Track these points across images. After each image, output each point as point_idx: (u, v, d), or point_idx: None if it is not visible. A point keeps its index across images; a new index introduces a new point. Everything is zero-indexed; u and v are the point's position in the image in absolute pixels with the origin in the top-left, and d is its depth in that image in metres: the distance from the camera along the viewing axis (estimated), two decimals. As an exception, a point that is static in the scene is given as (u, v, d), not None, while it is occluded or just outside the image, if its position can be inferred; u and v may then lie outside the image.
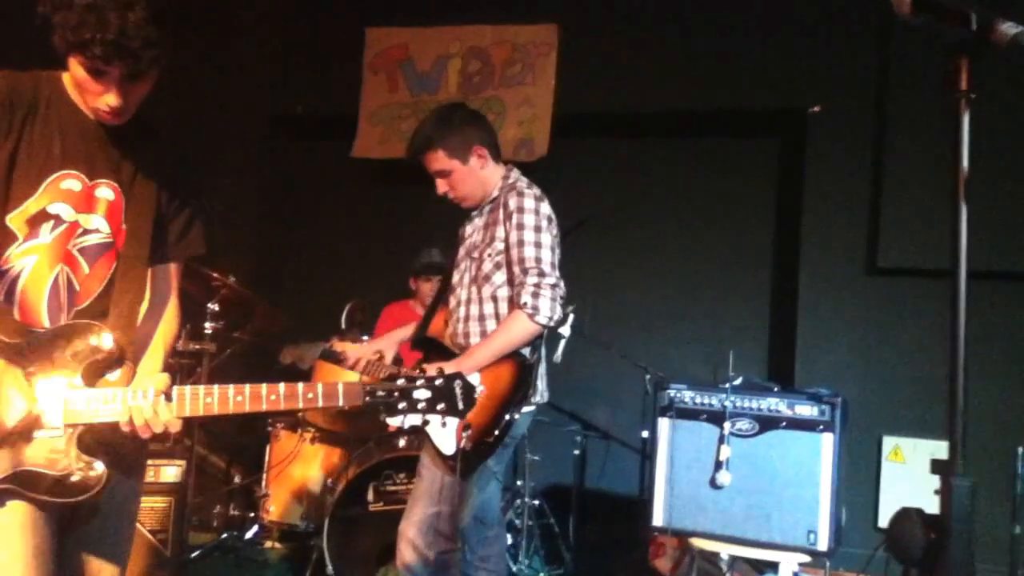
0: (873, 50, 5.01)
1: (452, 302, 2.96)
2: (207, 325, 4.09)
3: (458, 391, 1.93)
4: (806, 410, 3.50)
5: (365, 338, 4.41)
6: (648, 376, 4.43)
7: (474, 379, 2.62)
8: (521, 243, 2.74)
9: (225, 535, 4.58)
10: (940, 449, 4.62)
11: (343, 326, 4.45)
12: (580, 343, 4.43)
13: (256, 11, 6.02)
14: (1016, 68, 3.96)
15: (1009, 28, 1.11)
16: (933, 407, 4.81)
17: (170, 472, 3.81)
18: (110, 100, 1.81)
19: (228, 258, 5.59)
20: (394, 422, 2.70)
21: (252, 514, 4.61)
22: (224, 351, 4.32)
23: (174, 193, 2.04)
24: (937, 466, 1.13)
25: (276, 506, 4.42)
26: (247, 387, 1.83)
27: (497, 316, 2.81)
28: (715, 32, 5.35)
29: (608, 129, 5.69)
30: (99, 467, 1.78)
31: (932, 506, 4.32)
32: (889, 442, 4.83)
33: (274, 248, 6.25)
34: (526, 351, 2.77)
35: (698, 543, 3.64)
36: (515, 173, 2.98)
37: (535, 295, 2.68)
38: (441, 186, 2.92)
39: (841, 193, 5.09)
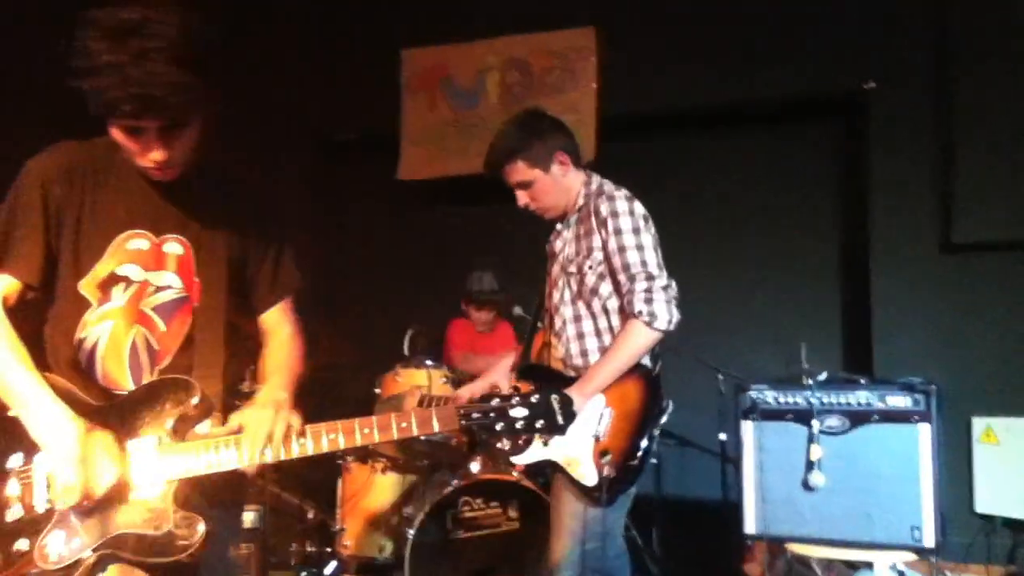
0: (932, 19, 4.83)
1: (558, 323, 2.76)
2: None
3: (556, 406, 1.83)
4: (899, 401, 3.33)
5: (429, 363, 4.35)
6: (721, 377, 4.30)
7: (599, 402, 2.55)
8: (623, 249, 2.60)
9: (304, 573, 4.52)
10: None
11: (406, 352, 4.39)
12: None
13: (289, 40, 6.03)
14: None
15: None
16: (1019, 384, 4.61)
17: (248, 517, 3.77)
18: (155, 156, 1.76)
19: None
20: (520, 460, 2.67)
21: (329, 549, 4.55)
22: (290, 387, 4.26)
23: (249, 236, 1.99)
24: None
25: (352, 540, 4.36)
26: (339, 424, 1.81)
27: (611, 329, 2.66)
28: (763, 17, 5.20)
29: (656, 128, 5.57)
30: (199, 525, 1.74)
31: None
32: (979, 423, 4.61)
33: (326, 278, 6.22)
34: (647, 362, 2.64)
35: (794, 548, 3.48)
36: (597, 177, 2.83)
37: (648, 300, 2.53)
38: (522, 198, 2.79)
39: (909, 171, 4.90)
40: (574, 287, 2.71)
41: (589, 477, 2.52)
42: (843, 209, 5.32)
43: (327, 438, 1.80)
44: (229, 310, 1.96)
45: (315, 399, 5.24)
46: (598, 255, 2.65)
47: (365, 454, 4.40)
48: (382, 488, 4.39)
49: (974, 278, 4.79)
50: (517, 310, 4.99)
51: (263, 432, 1.76)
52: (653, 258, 2.61)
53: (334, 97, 6.07)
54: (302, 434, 1.80)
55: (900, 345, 4.85)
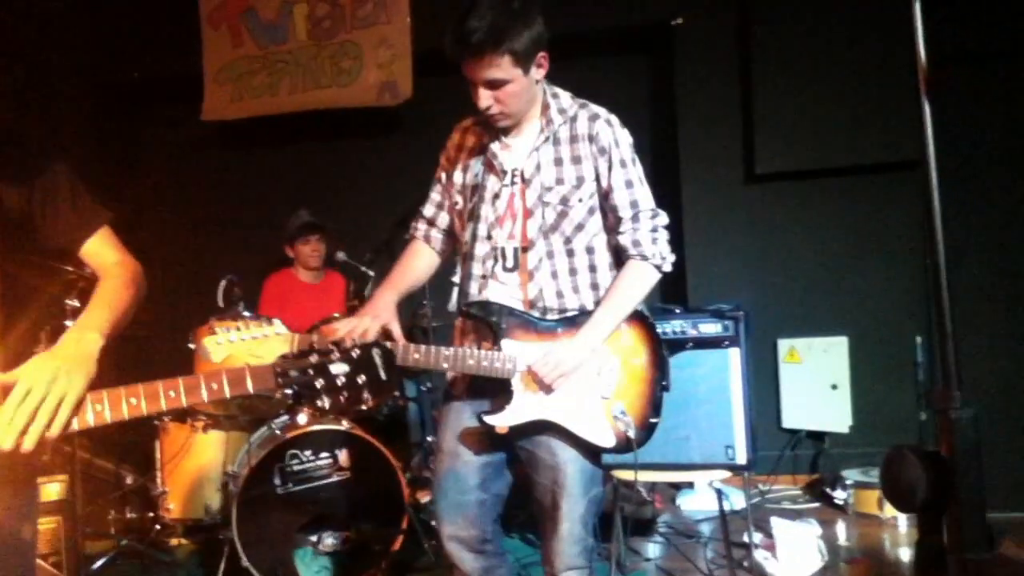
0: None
1: (532, 258, 2.35)
2: (68, 324, 3.73)
3: (378, 359, 1.69)
4: (711, 328, 3.48)
5: (247, 314, 4.15)
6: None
7: (602, 352, 2.30)
8: (629, 184, 2.33)
9: (125, 541, 4.28)
10: (832, 345, 4.79)
11: (220, 304, 4.16)
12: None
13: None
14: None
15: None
16: (819, 305, 4.96)
17: (53, 489, 3.51)
18: None
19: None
20: (501, 421, 2.26)
21: (151, 514, 4.32)
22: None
23: (25, 183, 1.82)
24: (933, 399, 1.03)
25: (176, 503, 4.15)
26: (140, 387, 1.56)
27: (593, 268, 2.37)
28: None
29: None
30: None
31: (831, 400, 4.45)
32: (784, 345, 4.94)
33: (128, 229, 5.80)
34: (642, 307, 2.41)
35: (619, 474, 3.61)
36: (551, 86, 2.42)
37: (655, 240, 2.33)
38: (485, 98, 2.26)
39: (713, 106, 5.08)
40: (549, 218, 2.34)
41: (603, 437, 2.32)
42: (654, 143, 5.46)
43: (127, 403, 1.56)
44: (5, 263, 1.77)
45: (119, 360, 4.94)
46: (591, 186, 2.35)
47: (183, 412, 4.17)
48: (204, 447, 4.18)
49: (776, 207, 5.06)
50: (341, 255, 4.85)
51: (29, 402, 1.48)
52: (650, 195, 2.39)
53: (126, 34, 5.59)
54: (98, 400, 1.55)
55: (711, 274, 5.08)
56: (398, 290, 2.48)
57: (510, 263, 2.38)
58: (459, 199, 2.47)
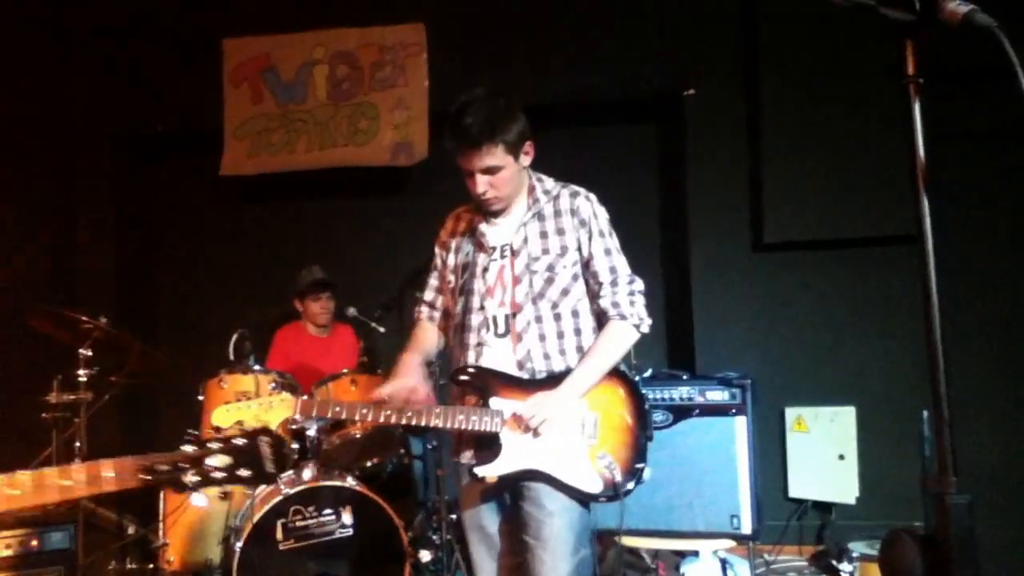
0: (743, 28, 5.09)
1: (520, 323, 2.54)
2: (81, 372, 3.77)
3: (266, 449, 1.61)
4: (718, 395, 3.51)
5: (257, 367, 4.19)
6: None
7: (580, 406, 2.49)
8: (608, 252, 2.59)
9: (125, 592, 4.26)
10: (839, 414, 4.78)
11: (231, 357, 4.20)
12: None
13: (102, 26, 5.65)
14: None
15: (959, 6, 1.04)
16: (827, 374, 4.96)
17: (56, 539, 3.50)
18: None
19: (94, 297, 5.25)
20: (491, 472, 2.44)
21: (151, 566, 4.30)
22: (101, 398, 4.00)
23: None
24: (929, 483, 1.05)
25: (176, 555, 4.13)
26: None
27: (578, 331, 2.58)
28: (584, 22, 5.31)
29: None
30: None
31: (838, 470, 4.41)
32: (791, 413, 4.92)
33: (143, 281, 5.88)
34: (622, 365, 2.61)
35: (624, 540, 3.59)
36: (536, 173, 2.71)
37: (632, 303, 2.56)
38: (482, 184, 2.51)
39: (722, 174, 5.15)
40: (537, 286, 2.56)
41: (590, 483, 2.46)
42: (663, 211, 5.52)
43: None
44: None
45: (129, 409, 4.97)
46: (574, 255, 2.59)
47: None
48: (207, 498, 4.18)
49: (784, 275, 5.10)
50: (352, 311, 4.89)
51: None
52: (626, 262, 2.63)
53: (151, 88, 5.73)
54: None
55: (719, 341, 5.09)
56: (420, 353, 2.74)
57: (501, 329, 2.57)
58: (452, 278, 2.71)
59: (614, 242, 2.61)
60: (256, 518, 3.63)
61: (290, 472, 3.91)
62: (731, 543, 3.47)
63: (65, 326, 3.80)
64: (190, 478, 1.57)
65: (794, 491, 4.88)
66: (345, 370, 4.39)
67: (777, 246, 5.01)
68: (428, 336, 2.81)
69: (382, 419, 2.47)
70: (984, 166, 4.66)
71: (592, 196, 2.65)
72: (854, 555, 4.36)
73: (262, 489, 3.91)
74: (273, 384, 4.09)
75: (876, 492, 4.70)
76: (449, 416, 2.48)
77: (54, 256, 5.42)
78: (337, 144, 5.42)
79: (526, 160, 2.59)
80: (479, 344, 2.57)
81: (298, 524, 3.70)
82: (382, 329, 4.79)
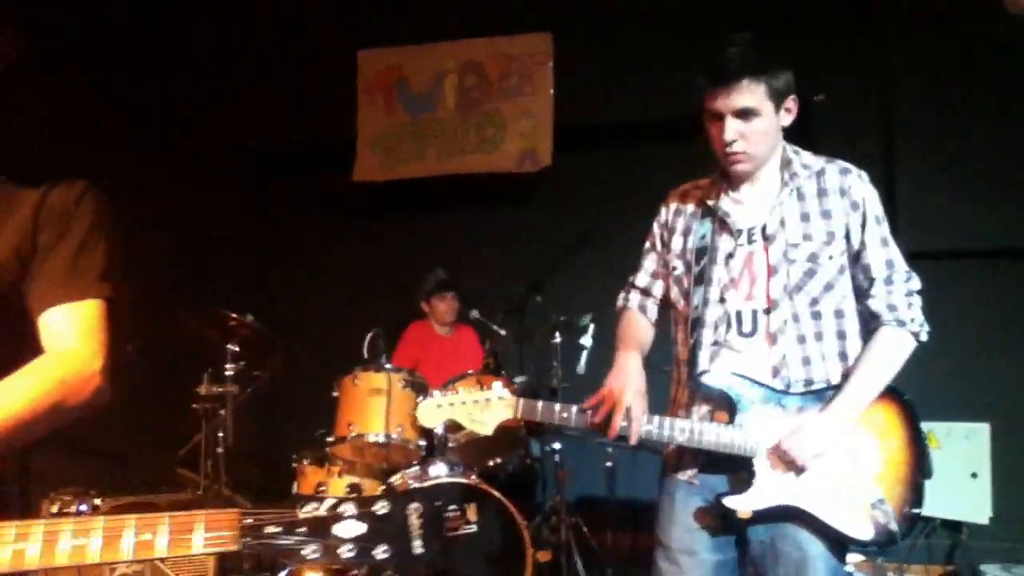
0: (873, 32, 5.00)
1: (775, 322, 2.15)
2: (228, 367, 4.03)
3: (414, 519, 1.24)
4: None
5: (388, 366, 4.35)
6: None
7: (855, 430, 2.08)
8: (885, 242, 2.17)
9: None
10: (973, 431, 4.61)
11: (365, 355, 4.38)
12: (600, 352, 4.39)
13: (243, 40, 5.97)
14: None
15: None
16: (961, 390, 4.79)
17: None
18: None
19: (237, 301, 5.57)
20: (745, 507, 2.03)
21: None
22: (245, 391, 4.26)
23: (42, 228, 1.61)
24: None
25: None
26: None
27: (842, 335, 2.16)
28: (711, 28, 5.29)
29: (611, 136, 5.64)
30: None
31: (970, 489, 4.26)
32: (923, 428, 4.77)
33: (283, 285, 6.18)
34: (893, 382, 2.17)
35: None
36: (790, 144, 2.31)
37: (910, 305, 2.14)
38: (731, 130, 2.12)
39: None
40: (795, 277, 2.14)
41: (860, 529, 2.06)
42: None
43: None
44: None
45: (270, 403, 5.23)
46: (841, 243, 2.16)
47: (322, 456, 4.38)
48: (338, 491, 4.36)
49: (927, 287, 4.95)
50: (475, 313, 5.02)
51: None
52: (902, 255, 2.21)
53: (288, 100, 6.02)
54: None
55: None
56: (640, 352, 2.32)
57: (747, 327, 2.18)
58: (679, 264, 2.32)
59: (888, 230, 2.19)
60: (386, 510, 3.78)
61: (417, 468, 4.05)
62: (859, 557, 3.41)
63: (214, 324, 4.07)
64: (309, 552, 1.18)
65: (923, 508, 4.73)
66: (471, 371, 4.51)
67: (911, 256, 4.87)
68: (644, 330, 2.40)
69: (614, 431, 2.11)
70: None
71: (864, 174, 2.23)
72: (987, 577, 4.21)
73: (390, 483, 4.08)
74: (403, 383, 4.24)
75: (1011, 514, 4.52)
76: (697, 434, 2.10)
77: (195, 264, 5.75)
78: (465, 152, 5.59)
79: (786, 119, 2.18)
80: (716, 343, 2.19)
81: (430, 518, 3.82)
82: (503, 332, 4.90)
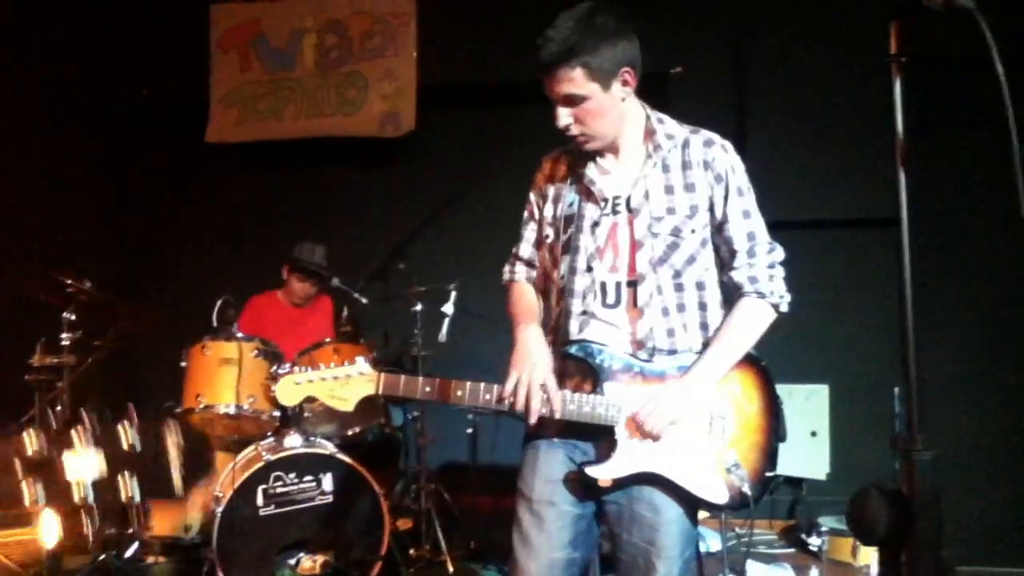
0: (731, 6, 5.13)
1: (642, 294, 2.14)
2: (64, 336, 3.78)
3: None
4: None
5: (240, 335, 4.18)
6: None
7: (711, 399, 2.10)
8: (747, 214, 2.15)
9: (103, 556, 4.28)
10: (813, 392, 4.85)
11: (214, 323, 4.20)
12: (463, 319, 4.38)
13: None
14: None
15: (948, -11, 1.07)
16: (802, 353, 5.00)
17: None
18: None
19: (80, 261, 5.23)
20: (606, 474, 2.06)
21: (129, 530, 4.32)
22: (84, 362, 4.01)
23: None
24: (896, 442, 1.11)
25: (156, 520, 4.17)
26: None
27: (703, 306, 2.18)
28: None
29: (475, 99, 5.59)
30: None
31: (810, 447, 4.46)
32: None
33: (130, 246, 5.86)
34: (753, 350, 2.20)
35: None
36: (656, 112, 2.26)
37: (771, 277, 2.16)
38: (564, 117, 2.12)
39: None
40: (659, 250, 2.15)
41: (715, 492, 2.10)
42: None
43: None
44: None
45: (111, 373, 4.96)
46: (704, 216, 2.16)
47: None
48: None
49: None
50: (336, 281, 4.86)
51: None
52: (764, 225, 2.20)
53: (135, 53, 5.69)
54: None
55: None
56: (539, 323, 2.28)
57: (611, 299, 2.18)
58: (550, 231, 2.31)
59: (752, 201, 2.18)
60: (237, 483, 3.67)
61: (271, 439, 3.94)
62: (704, 514, 3.54)
63: (51, 289, 3.81)
64: None
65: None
66: (328, 339, 4.39)
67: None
68: (535, 301, 2.37)
69: (482, 401, 2.13)
70: (961, 152, 4.73)
71: (728, 145, 2.21)
72: (823, 529, 4.47)
73: (243, 455, 3.95)
74: (255, 352, 4.09)
75: (846, 469, 4.80)
76: (561, 405, 2.10)
77: (41, 222, 5.39)
78: (325, 114, 5.43)
79: (622, 91, 2.12)
80: (584, 313, 2.19)
81: (279, 490, 3.74)
82: (365, 300, 4.80)
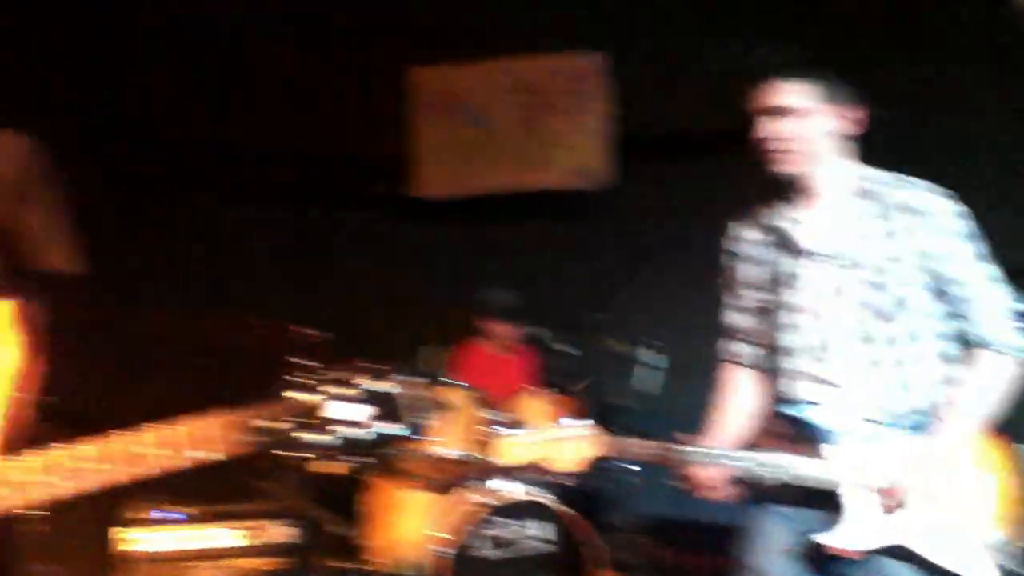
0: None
1: (853, 348, 2.01)
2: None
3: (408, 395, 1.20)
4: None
5: (455, 382, 4.27)
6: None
7: (964, 464, 1.94)
8: (979, 260, 2.00)
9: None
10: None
11: (421, 369, 4.31)
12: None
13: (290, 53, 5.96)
14: None
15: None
16: None
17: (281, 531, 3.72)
18: None
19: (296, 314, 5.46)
20: (853, 545, 1.90)
21: (353, 566, 4.42)
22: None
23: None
24: None
25: (379, 555, 4.26)
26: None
27: (922, 360, 2.02)
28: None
29: (669, 152, 5.63)
30: None
31: None
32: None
33: (334, 300, 6.08)
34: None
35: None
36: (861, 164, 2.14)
37: (1013, 329, 1.98)
38: (773, 128, 2.00)
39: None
40: (870, 301, 2.00)
41: (980, 573, 1.90)
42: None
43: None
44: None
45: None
46: (916, 262, 1.99)
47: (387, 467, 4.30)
48: (405, 503, 4.27)
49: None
50: (533, 331, 4.93)
51: None
52: (998, 273, 2.03)
53: (336, 112, 5.99)
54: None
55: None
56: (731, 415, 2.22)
57: (822, 355, 2.05)
58: (752, 295, 2.22)
59: (978, 248, 2.01)
60: (464, 526, 3.77)
61: (494, 481, 4.01)
62: None
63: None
64: (306, 435, 1.11)
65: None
66: (531, 388, 4.45)
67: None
68: (745, 395, 2.25)
69: (698, 461, 2.07)
70: None
71: (938, 189, 2.06)
72: None
73: (458, 497, 4.01)
74: (470, 398, 4.18)
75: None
76: (778, 467, 1.99)
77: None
78: (523, 169, 5.60)
79: (843, 127, 2.02)
80: (796, 372, 2.08)
81: (506, 536, 3.81)
82: (566, 350, 4.86)
